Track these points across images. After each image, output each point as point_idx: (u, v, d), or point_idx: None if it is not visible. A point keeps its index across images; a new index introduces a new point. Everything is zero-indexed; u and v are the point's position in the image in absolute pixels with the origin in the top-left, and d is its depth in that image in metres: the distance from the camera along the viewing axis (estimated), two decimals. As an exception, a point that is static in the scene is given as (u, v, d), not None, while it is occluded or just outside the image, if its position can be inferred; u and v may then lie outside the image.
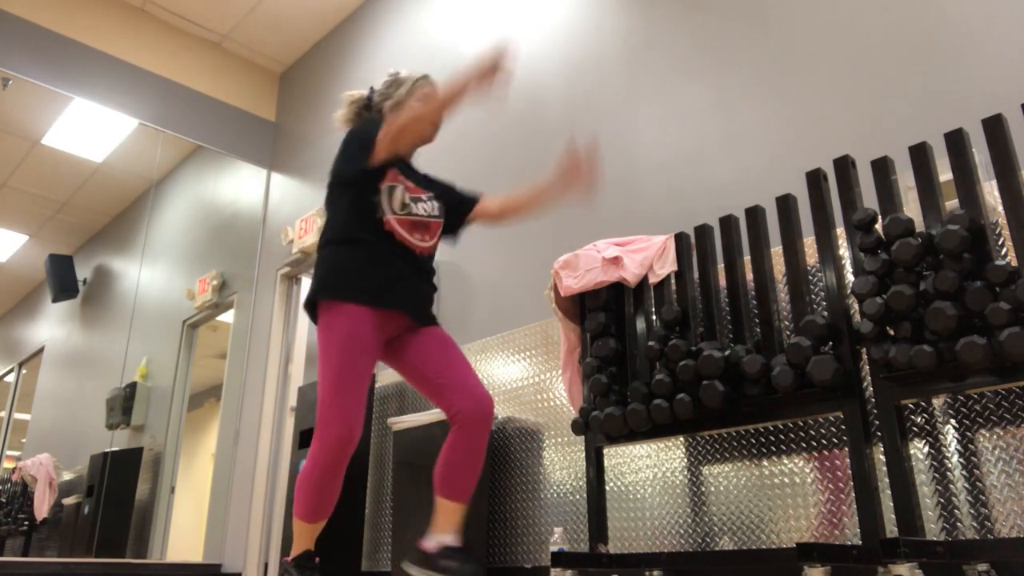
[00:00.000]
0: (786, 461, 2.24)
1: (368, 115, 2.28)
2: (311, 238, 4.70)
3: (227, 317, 5.30)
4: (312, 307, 2.02)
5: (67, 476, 4.61)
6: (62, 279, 4.89)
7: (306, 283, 5.10)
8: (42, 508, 4.45)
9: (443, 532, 1.92)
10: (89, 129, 4.97)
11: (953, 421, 1.94)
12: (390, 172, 2.12)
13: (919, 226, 1.94)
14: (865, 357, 2.00)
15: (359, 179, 2.07)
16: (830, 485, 2.12)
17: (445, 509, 1.94)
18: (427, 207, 2.18)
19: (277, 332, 4.91)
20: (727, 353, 2.14)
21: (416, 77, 2.26)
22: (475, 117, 3.82)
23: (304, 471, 1.89)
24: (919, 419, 1.99)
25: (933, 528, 1.89)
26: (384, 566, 3.36)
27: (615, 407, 2.34)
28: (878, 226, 1.99)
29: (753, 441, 2.33)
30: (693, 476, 2.45)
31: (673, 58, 3.04)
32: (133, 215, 5.16)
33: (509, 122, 3.69)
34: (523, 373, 3.11)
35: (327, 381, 1.87)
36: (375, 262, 2.02)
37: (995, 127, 1.82)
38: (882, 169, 2.01)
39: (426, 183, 2.27)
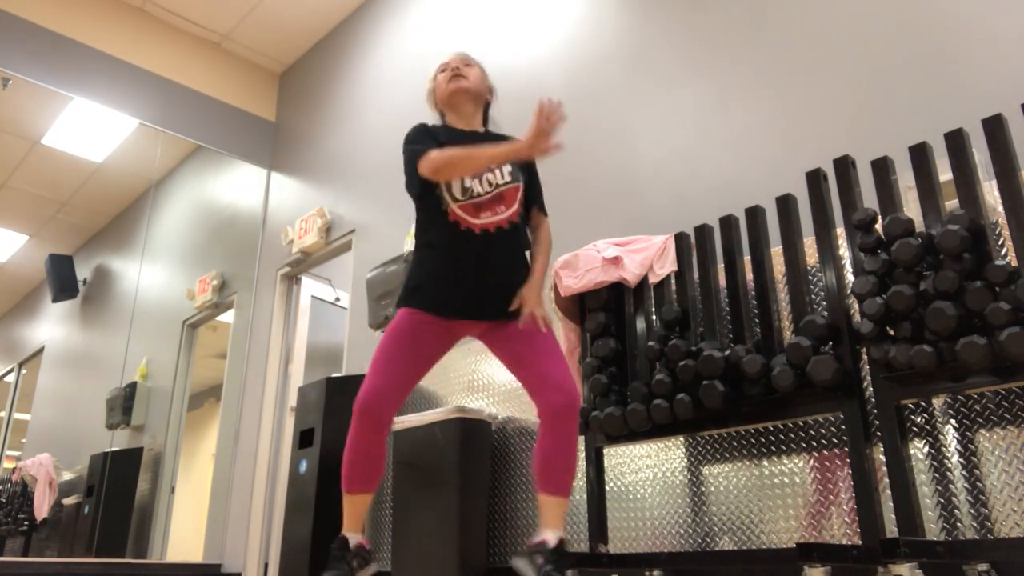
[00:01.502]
0: (786, 461, 2.23)
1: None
2: (311, 238, 4.70)
3: (227, 317, 5.30)
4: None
5: (67, 476, 4.61)
6: (62, 279, 4.89)
7: (307, 283, 5.10)
8: (42, 508, 4.45)
9: (547, 527, 1.92)
10: (89, 129, 4.97)
11: (953, 421, 1.94)
12: None
13: (919, 226, 1.94)
14: (865, 357, 2.00)
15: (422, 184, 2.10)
16: (830, 485, 2.12)
17: (546, 505, 1.95)
18: (493, 177, 2.10)
19: (277, 332, 4.91)
20: (727, 353, 2.14)
21: (430, 75, 2.35)
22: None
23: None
24: (919, 419, 1.99)
25: (933, 528, 1.89)
26: (384, 566, 3.36)
27: (615, 407, 2.34)
28: (878, 226, 1.99)
29: (753, 441, 2.32)
30: (693, 476, 2.44)
31: (673, 58, 3.04)
32: (133, 215, 5.16)
33: (507, 122, 3.68)
34: (523, 373, 3.11)
35: (371, 363, 2.03)
36: (440, 268, 2.06)
37: (995, 127, 1.82)
38: (882, 169, 2.00)
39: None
